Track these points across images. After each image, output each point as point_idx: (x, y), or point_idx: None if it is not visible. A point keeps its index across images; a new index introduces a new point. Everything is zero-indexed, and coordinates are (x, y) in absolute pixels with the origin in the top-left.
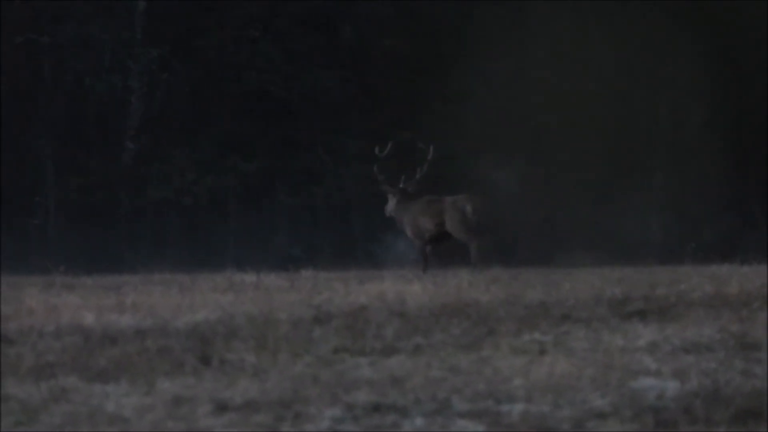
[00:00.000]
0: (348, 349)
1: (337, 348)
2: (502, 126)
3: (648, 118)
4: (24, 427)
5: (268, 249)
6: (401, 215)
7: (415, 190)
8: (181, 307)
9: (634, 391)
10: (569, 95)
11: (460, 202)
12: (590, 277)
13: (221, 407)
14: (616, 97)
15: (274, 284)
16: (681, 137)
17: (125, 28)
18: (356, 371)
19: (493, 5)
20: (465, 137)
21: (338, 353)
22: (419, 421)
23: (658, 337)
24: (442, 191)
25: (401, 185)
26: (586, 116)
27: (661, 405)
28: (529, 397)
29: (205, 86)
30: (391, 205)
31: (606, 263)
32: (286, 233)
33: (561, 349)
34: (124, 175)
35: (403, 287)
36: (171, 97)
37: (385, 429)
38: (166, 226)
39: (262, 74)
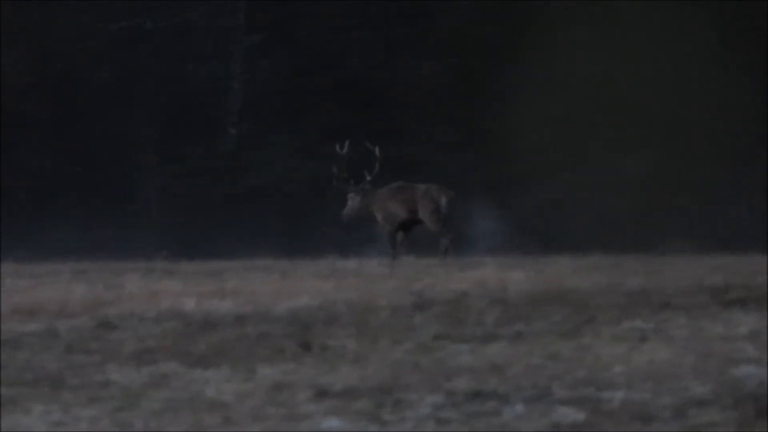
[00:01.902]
0: (448, 336)
1: (437, 335)
2: (601, 115)
3: (748, 104)
4: (124, 412)
5: (369, 236)
6: (369, 207)
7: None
8: (282, 293)
9: (734, 378)
10: (669, 83)
11: (435, 192)
12: (691, 264)
13: (321, 393)
14: (717, 83)
15: (374, 271)
16: None
17: (227, 14)
18: (457, 358)
19: None
20: (563, 126)
21: (438, 340)
22: (519, 408)
23: (759, 325)
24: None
25: (356, 186)
26: (687, 103)
27: (761, 393)
28: (629, 385)
29: (306, 73)
30: (353, 205)
31: (707, 251)
32: None
33: (661, 337)
34: (224, 161)
35: (504, 274)
36: (271, 84)
37: (485, 416)
38: (267, 213)
39: (362, 61)
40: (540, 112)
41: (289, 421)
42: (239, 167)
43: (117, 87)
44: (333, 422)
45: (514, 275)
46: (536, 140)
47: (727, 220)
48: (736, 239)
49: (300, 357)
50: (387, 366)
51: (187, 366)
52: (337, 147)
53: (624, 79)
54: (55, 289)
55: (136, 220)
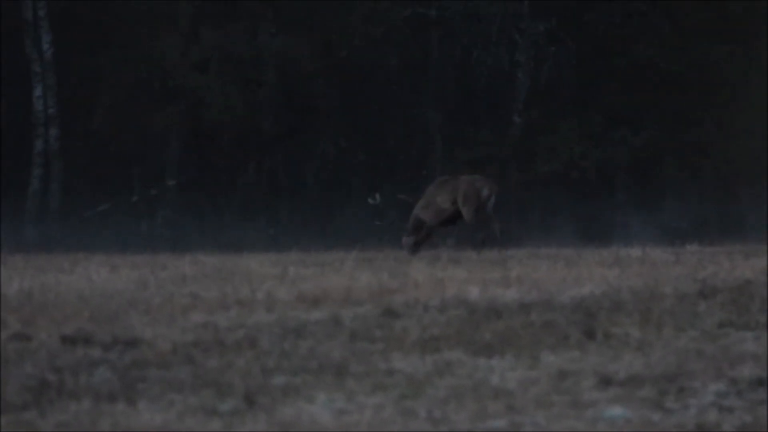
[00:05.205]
0: (732, 324)
1: (721, 322)
2: None
3: None
4: (409, 400)
5: (655, 223)
6: (422, 220)
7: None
8: (567, 281)
9: None
10: None
11: (478, 182)
12: None
13: (605, 381)
14: None
15: (659, 258)
16: None
17: (513, 1)
18: (741, 345)
19: None
20: None
21: (723, 328)
22: None
23: None
24: None
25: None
26: None
27: None
28: None
29: (593, 59)
30: (410, 243)
31: None
32: (673, 207)
33: None
34: (512, 148)
35: None
36: (558, 71)
37: None
38: (554, 200)
39: (651, 47)
40: None
41: (573, 409)
42: (526, 154)
43: (403, 74)
44: (617, 410)
45: None
46: None
47: None
48: None
49: (584, 345)
50: (671, 354)
51: (471, 354)
52: (369, 200)
53: None
54: (340, 277)
55: None
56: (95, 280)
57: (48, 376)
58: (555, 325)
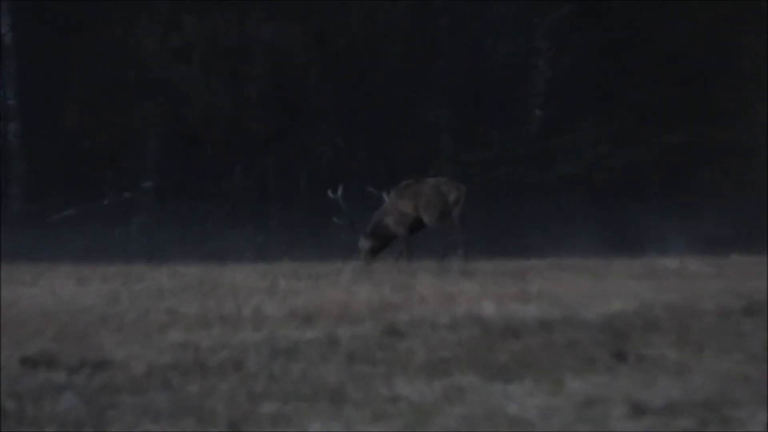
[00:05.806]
0: None
1: None
2: None
3: None
4: (415, 430)
5: (692, 230)
6: (382, 225)
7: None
8: (593, 296)
9: None
10: None
11: (444, 186)
12: None
13: (638, 410)
14: None
15: (699, 270)
16: None
17: None
18: None
19: None
20: None
21: None
22: None
23: None
24: None
25: (364, 228)
26: None
27: None
28: None
29: (620, 49)
30: (367, 248)
31: None
32: (713, 212)
33: None
34: (529, 148)
35: None
36: (581, 61)
37: None
38: (577, 205)
39: (683, 37)
40: None
41: None
42: (545, 155)
43: (407, 66)
44: None
45: None
46: None
47: None
48: None
49: (614, 368)
50: (712, 378)
51: (485, 378)
52: (330, 193)
53: None
54: (337, 291)
55: None
56: (61, 294)
57: (6, 402)
58: (580, 346)
